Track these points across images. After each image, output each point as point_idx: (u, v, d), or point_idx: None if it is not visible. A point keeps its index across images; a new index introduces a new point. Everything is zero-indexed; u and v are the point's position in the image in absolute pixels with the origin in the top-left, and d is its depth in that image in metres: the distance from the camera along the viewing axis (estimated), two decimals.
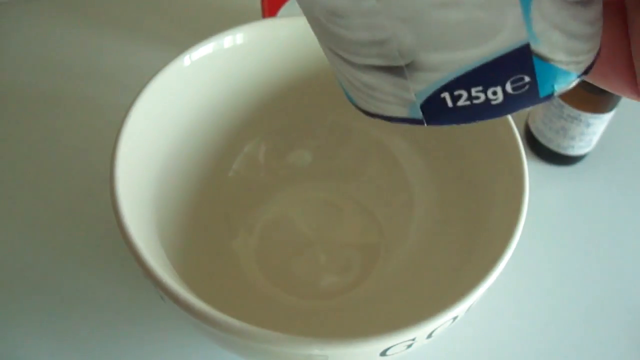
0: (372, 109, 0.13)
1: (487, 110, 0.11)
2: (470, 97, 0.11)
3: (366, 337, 0.23)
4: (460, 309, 0.24)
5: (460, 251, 0.32)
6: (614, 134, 0.45)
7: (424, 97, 0.11)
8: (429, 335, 0.25)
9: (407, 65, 0.11)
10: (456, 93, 0.11)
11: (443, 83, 0.11)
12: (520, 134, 0.45)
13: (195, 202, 0.35)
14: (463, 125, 0.34)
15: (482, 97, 0.11)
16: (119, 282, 0.36)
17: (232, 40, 0.34)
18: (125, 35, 0.50)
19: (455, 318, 0.25)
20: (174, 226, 0.33)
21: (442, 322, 0.24)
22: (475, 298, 0.25)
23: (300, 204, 0.39)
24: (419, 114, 0.12)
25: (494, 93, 0.11)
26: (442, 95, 0.11)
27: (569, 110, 0.39)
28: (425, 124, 0.12)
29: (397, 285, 0.34)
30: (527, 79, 0.11)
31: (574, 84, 0.12)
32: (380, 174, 0.39)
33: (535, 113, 0.42)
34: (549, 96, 0.11)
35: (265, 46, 0.35)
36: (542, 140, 0.42)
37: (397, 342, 0.23)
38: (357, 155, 0.40)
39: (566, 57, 0.11)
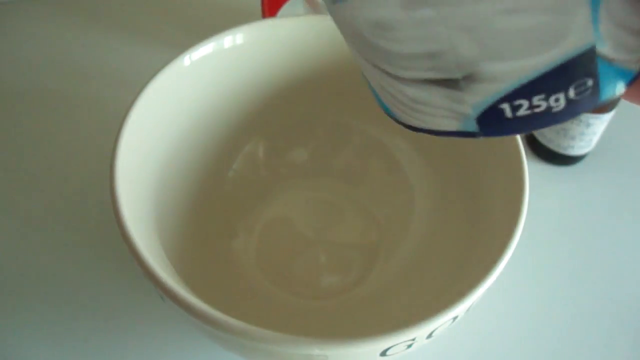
0: (417, 123, 0.12)
1: (547, 118, 0.11)
2: (531, 106, 0.10)
3: (366, 337, 0.23)
4: (460, 309, 0.24)
5: (460, 251, 0.32)
6: (614, 134, 0.45)
7: (480, 110, 0.11)
8: (429, 335, 0.25)
9: (465, 78, 0.10)
10: (517, 103, 0.10)
11: (503, 94, 0.10)
12: (520, 134, 0.45)
13: (195, 202, 0.35)
14: None
15: (544, 105, 0.10)
16: (118, 282, 0.36)
17: (232, 40, 0.34)
18: (125, 35, 0.50)
19: (455, 318, 0.25)
20: (174, 226, 0.33)
21: (442, 322, 0.24)
22: (475, 298, 0.25)
23: (300, 204, 0.39)
24: (473, 127, 0.11)
25: (556, 100, 0.10)
26: (501, 106, 0.10)
27: None
28: (481, 137, 0.11)
29: (397, 285, 0.34)
30: (590, 82, 0.10)
31: (631, 83, 0.11)
32: (380, 174, 0.39)
33: None
34: (609, 98, 0.11)
35: (265, 46, 0.35)
36: (542, 140, 0.42)
37: (397, 342, 0.23)
38: (357, 155, 0.40)
39: (627, 55, 0.11)
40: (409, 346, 0.25)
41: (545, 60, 0.10)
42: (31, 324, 0.35)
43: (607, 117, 0.39)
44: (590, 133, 0.40)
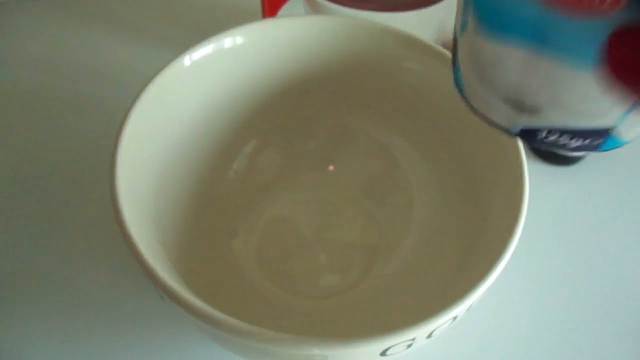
0: (482, 110, 0.17)
1: (562, 147, 0.16)
2: (558, 138, 0.16)
3: (366, 337, 0.23)
4: (460, 309, 0.24)
5: (460, 251, 0.32)
6: None
7: (525, 126, 0.16)
8: (429, 335, 0.25)
9: (531, 109, 0.15)
10: (551, 135, 0.15)
11: (547, 127, 0.15)
12: None
13: (195, 202, 0.35)
14: (465, 123, 0.34)
15: (566, 141, 0.16)
16: (118, 282, 0.36)
17: (232, 40, 0.34)
18: (125, 35, 0.50)
19: (455, 318, 0.25)
20: (174, 226, 0.33)
21: (442, 322, 0.24)
22: (475, 298, 0.25)
23: (300, 204, 0.39)
24: (516, 131, 0.16)
25: (575, 141, 0.15)
26: (541, 132, 0.16)
27: None
28: (517, 138, 0.16)
29: (397, 285, 0.34)
30: (600, 140, 0.15)
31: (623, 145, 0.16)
32: (380, 174, 0.39)
33: None
34: (603, 151, 0.16)
35: (265, 46, 0.35)
36: None
37: (397, 342, 0.24)
38: (357, 155, 0.40)
39: (630, 134, 0.16)
40: (409, 346, 0.25)
41: (582, 124, 0.15)
42: (30, 323, 0.35)
43: None
44: None
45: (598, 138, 0.16)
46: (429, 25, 0.39)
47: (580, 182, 0.42)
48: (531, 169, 0.43)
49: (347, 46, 0.36)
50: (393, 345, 0.24)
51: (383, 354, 0.24)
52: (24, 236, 0.38)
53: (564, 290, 0.37)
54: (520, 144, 0.30)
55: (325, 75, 0.37)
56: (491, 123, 0.17)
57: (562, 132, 0.15)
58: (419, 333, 0.24)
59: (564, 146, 0.16)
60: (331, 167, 0.40)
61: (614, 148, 0.16)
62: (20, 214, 0.39)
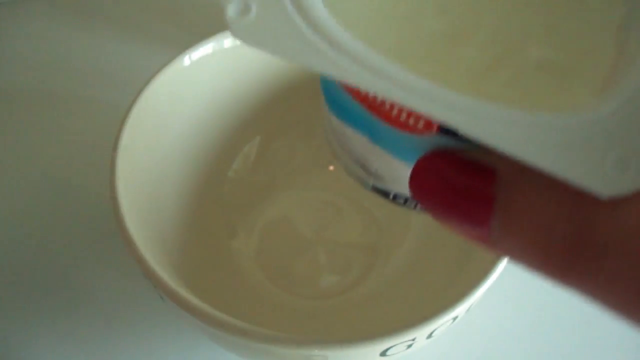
0: (339, 161, 0.20)
1: (412, 209, 0.19)
2: (404, 203, 0.18)
3: (366, 337, 0.23)
4: (460, 309, 0.24)
5: (460, 251, 0.32)
6: None
7: (376, 186, 0.19)
8: (429, 335, 0.25)
9: (375, 175, 0.18)
10: (398, 198, 0.18)
11: (392, 192, 0.18)
12: None
13: (195, 202, 0.35)
14: None
15: (412, 206, 0.18)
16: (118, 282, 0.36)
17: (232, 40, 0.34)
18: (125, 35, 0.50)
19: (455, 318, 0.25)
20: (174, 226, 0.33)
21: (442, 322, 0.24)
22: (475, 298, 0.25)
23: (300, 204, 0.39)
24: (368, 188, 0.19)
25: (397, 199, 0.19)
26: (389, 194, 0.19)
27: None
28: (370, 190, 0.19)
29: (397, 285, 0.34)
30: (412, 203, 0.18)
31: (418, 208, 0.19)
32: None
33: None
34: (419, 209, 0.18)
35: None
36: None
37: (397, 342, 0.24)
38: None
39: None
40: (409, 346, 0.25)
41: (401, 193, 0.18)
42: (29, 323, 0.35)
43: None
44: None
45: (411, 203, 0.18)
46: None
47: None
48: None
49: None
50: (393, 346, 0.24)
51: (383, 354, 0.24)
52: (24, 236, 0.38)
53: (564, 290, 0.37)
54: None
55: None
56: (348, 174, 0.20)
57: (406, 198, 0.18)
58: (419, 333, 0.24)
59: (412, 209, 0.18)
60: (331, 167, 0.40)
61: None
62: (18, 214, 0.39)
